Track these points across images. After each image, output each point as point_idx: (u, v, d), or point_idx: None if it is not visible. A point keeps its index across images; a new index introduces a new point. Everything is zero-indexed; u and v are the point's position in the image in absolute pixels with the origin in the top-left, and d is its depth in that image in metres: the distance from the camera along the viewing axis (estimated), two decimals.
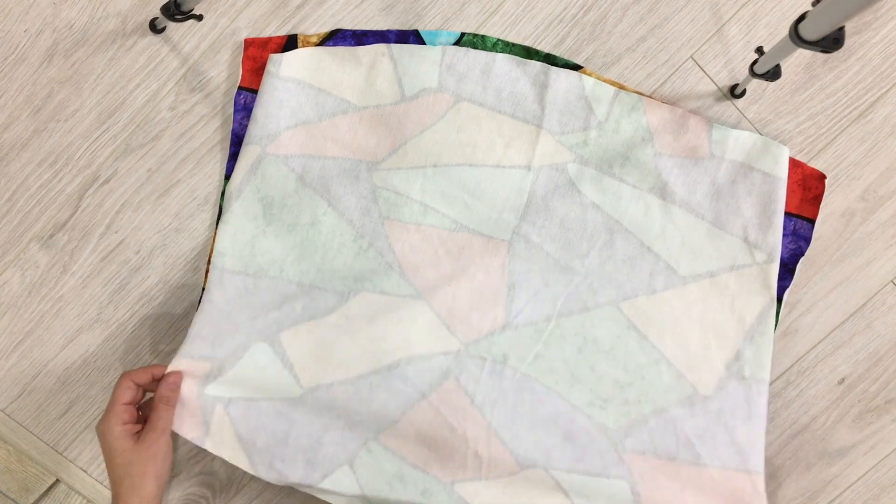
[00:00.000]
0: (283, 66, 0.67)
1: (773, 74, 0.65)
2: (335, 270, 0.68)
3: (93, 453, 0.74)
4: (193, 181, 0.70)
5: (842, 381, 0.74)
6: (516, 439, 0.65)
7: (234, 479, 0.75)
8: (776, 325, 0.71)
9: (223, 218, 0.68)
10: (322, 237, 0.68)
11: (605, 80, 0.68)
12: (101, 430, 0.62)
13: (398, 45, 0.67)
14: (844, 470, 0.75)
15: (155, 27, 0.67)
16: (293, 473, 0.65)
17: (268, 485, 0.75)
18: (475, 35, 0.67)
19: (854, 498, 0.76)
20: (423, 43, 0.68)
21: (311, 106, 0.67)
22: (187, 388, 0.65)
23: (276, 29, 0.68)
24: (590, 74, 0.68)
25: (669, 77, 0.69)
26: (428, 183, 0.68)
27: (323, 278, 0.68)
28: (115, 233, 0.71)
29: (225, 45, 0.68)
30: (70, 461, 0.74)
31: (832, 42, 0.52)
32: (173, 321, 0.72)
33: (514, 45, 0.68)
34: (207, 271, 0.69)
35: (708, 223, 0.68)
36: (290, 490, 0.75)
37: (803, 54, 0.69)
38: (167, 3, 0.62)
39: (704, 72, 0.69)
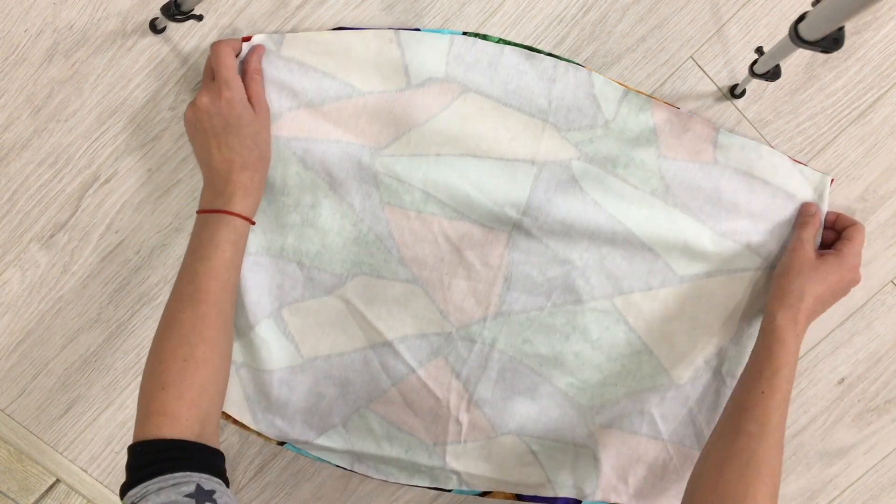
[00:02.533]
0: (285, 47, 0.66)
1: (773, 74, 0.65)
2: (334, 253, 0.69)
3: (92, 453, 0.74)
4: (193, 181, 0.70)
5: (842, 381, 0.74)
6: (494, 410, 0.71)
7: (233, 479, 0.75)
8: None
9: None
10: (322, 220, 0.69)
11: (610, 80, 0.68)
12: (228, 99, 0.61)
13: (406, 31, 0.66)
14: (844, 470, 0.75)
15: (155, 27, 0.67)
16: (291, 430, 0.72)
17: (267, 485, 0.75)
18: (477, 34, 0.67)
19: (854, 498, 0.76)
20: (421, 31, 0.67)
21: (314, 89, 0.66)
22: None
23: (276, 29, 0.68)
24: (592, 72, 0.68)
25: (669, 77, 0.69)
26: (431, 171, 0.68)
27: (322, 260, 0.69)
28: (115, 233, 0.71)
29: None
30: (70, 461, 0.74)
31: (832, 42, 0.52)
32: None
33: (516, 44, 0.68)
34: None
35: (709, 228, 0.69)
36: (289, 490, 0.75)
37: (803, 54, 0.69)
38: (167, 4, 0.62)
39: (704, 72, 0.69)
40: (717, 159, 0.68)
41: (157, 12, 0.66)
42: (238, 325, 0.70)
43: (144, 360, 0.72)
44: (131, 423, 0.73)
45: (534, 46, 0.68)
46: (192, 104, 0.63)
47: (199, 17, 0.64)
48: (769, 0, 0.68)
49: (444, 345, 0.70)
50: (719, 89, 0.70)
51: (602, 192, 0.68)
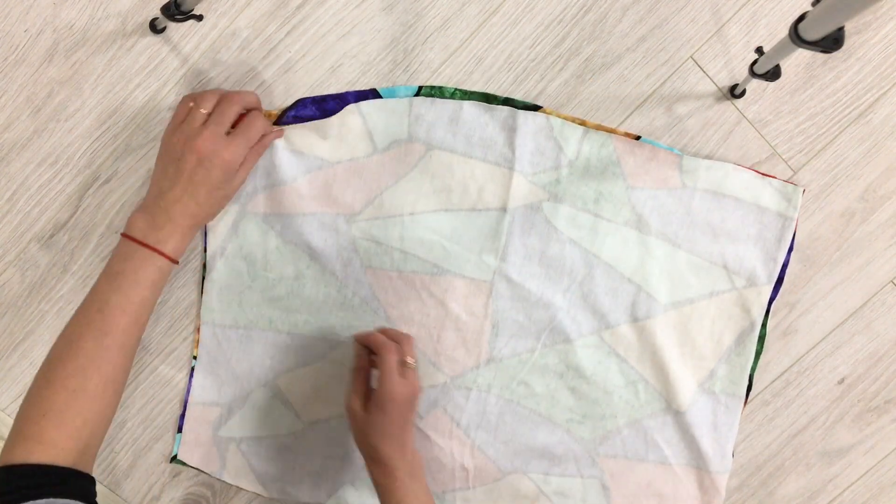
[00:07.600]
0: None
1: (773, 74, 0.65)
2: (323, 319, 0.70)
3: None
4: None
5: (841, 381, 0.74)
6: (498, 453, 0.72)
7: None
8: (764, 335, 0.71)
9: (208, 276, 0.70)
10: (307, 290, 0.70)
11: (568, 119, 0.69)
12: (228, 161, 0.61)
13: (365, 101, 0.68)
14: (844, 470, 0.75)
15: (155, 27, 0.67)
16: (301, 493, 0.73)
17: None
18: (432, 87, 0.68)
19: (854, 498, 0.76)
20: (380, 99, 0.68)
21: (286, 166, 0.68)
22: (203, 431, 0.72)
23: (276, 29, 0.68)
24: (550, 113, 0.68)
25: (669, 77, 0.69)
26: (406, 231, 0.69)
27: (312, 328, 0.70)
28: (116, 233, 0.71)
29: (225, 45, 0.68)
30: None
31: (832, 42, 0.52)
32: (173, 322, 0.72)
33: (472, 92, 0.68)
34: (198, 327, 0.71)
35: (685, 252, 0.70)
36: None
37: (803, 54, 0.69)
38: (167, 4, 0.62)
39: (704, 72, 0.69)
40: (684, 183, 0.69)
41: (157, 12, 0.66)
42: (234, 397, 0.72)
43: (143, 360, 0.72)
44: (130, 424, 0.73)
45: (490, 93, 0.68)
46: (189, 138, 0.60)
47: (199, 17, 0.64)
48: (769, 0, 0.68)
49: (441, 396, 0.71)
50: (719, 89, 0.70)
51: (575, 228, 0.69)
